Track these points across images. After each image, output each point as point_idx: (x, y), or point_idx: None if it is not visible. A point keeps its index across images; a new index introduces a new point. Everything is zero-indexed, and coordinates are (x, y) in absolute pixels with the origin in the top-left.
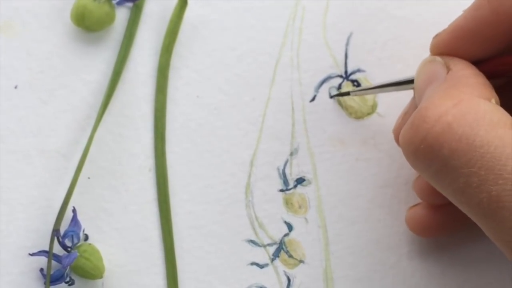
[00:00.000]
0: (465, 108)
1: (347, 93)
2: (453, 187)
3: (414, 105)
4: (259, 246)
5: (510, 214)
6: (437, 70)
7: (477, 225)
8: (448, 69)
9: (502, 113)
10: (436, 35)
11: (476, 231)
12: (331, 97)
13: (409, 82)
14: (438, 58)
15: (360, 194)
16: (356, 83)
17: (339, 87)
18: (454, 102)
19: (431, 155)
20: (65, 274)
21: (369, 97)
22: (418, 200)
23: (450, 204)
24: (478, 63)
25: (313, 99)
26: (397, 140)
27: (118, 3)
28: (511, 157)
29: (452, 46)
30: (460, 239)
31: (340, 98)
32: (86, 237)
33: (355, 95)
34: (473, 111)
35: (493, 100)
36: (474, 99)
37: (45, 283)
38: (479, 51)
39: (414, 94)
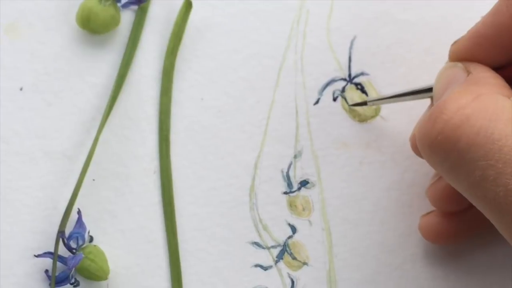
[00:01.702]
0: (484, 102)
1: (364, 103)
2: (468, 181)
3: None
4: (263, 248)
5: None
6: (457, 74)
7: (487, 233)
8: (468, 72)
9: None
10: (455, 42)
11: (482, 236)
12: (350, 105)
13: (426, 90)
14: (459, 64)
15: (364, 197)
16: (359, 86)
17: (343, 90)
18: (473, 96)
19: (448, 148)
20: (70, 276)
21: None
22: (422, 203)
23: (463, 211)
24: (497, 69)
25: (317, 102)
26: (414, 147)
27: (123, 6)
28: None
29: (471, 53)
30: (464, 243)
31: (344, 101)
32: (91, 239)
33: (373, 104)
34: (492, 105)
35: None
36: (493, 94)
37: (50, 285)
38: (499, 57)
39: (433, 101)
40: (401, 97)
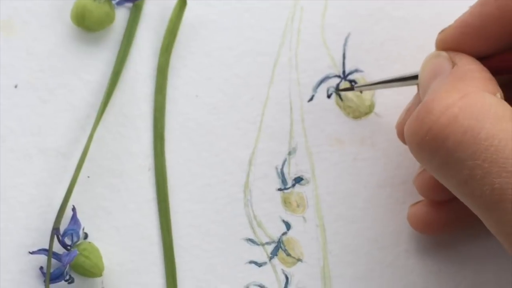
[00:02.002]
0: (471, 101)
1: (351, 88)
2: (456, 179)
3: (417, 100)
4: (257, 244)
5: None
6: (442, 64)
7: (477, 223)
8: (453, 63)
9: (506, 107)
10: (442, 31)
11: (474, 229)
12: (336, 91)
13: (413, 77)
14: (443, 53)
15: (358, 193)
16: (354, 83)
17: (337, 87)
18: (460, 95)
19: (436, 147)
20: (65, 272)
21: (367, 97)
22: (416, 199)
23: (451, 200)
24: (483, 59)
25: (311, 99)
26: (400, 135)
27: (118, 3)
28: None
29: (458, 42)
30: (457, 237)
31: (338, 97)
32: (86, 236)
33: (359, 90)
34: (479, 104)
35: (498, 95)
36: (480, 92)
37: (45, 281)
38: (484, 48)
39: (418, 89)
40: (388, 83)
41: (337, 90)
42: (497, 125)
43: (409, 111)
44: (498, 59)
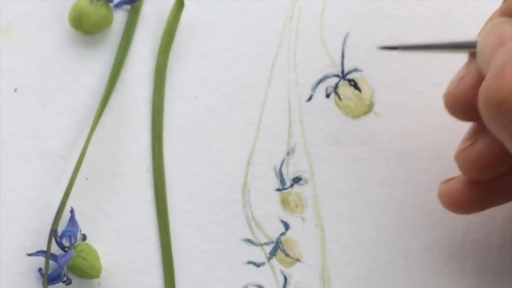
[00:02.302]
0: None
1: (395, 48)
2: None
3: (472, 70)
4: (255, 245)
5: None
6: (510, 31)
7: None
8: None
9: None
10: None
11: (474, 228)
12: (380, 48)
13: (467, 46)
14: (510, 20)
15: (357, 193)
16: (352, 82)
17: (336, 86)
18: None
19: None
20: (63, 274)
21: (366, 96)
22: (413, 199)
23: (490, 181)
24: None
25: (309, 99)
26: (450, 104)
27: (116, 6)
28: None
29: None
30: (457, 238)
31: (337, 97)
32: (84, 237)
33: (403, 51)
34: None
35: None
36: None
37: (43, 283)
38: None
39: (478, 57)
40: (438, 48)
41: (381, 47)
42: None
43: (462, 80)
44: None
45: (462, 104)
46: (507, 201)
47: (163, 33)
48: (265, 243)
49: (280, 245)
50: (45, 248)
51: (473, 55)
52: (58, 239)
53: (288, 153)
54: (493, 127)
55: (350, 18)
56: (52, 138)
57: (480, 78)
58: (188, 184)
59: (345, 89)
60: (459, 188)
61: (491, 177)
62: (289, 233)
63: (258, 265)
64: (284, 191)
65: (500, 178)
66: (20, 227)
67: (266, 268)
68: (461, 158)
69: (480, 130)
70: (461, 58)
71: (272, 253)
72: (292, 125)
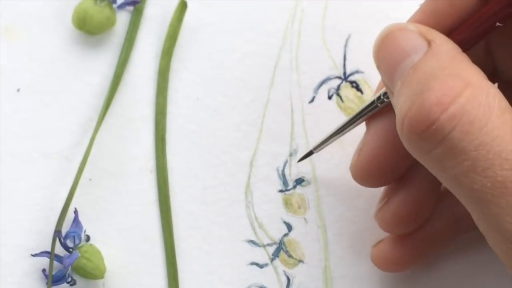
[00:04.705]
0: (478, 90)
1: (311, 152)
2: (456, 170)
3: (368, 139)
4: (258, 246)
5: None
6: (414, 41)
7: (444, 249)
8: (429, 41)
9: (503, 97)
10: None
11: (474, 235)
12: (298, 160)
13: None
14: (411, 26)
15: (359, 194)
16: (354, 84)
17: (338, 88)
18: (465, 83)
19: (441, 137)
20: (67, 275)
21: (368, 98)
22: None
23: (414, 233)
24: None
25: (312, 101)
26: (355, 176)
27: (119, 7)
28: None
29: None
30: (457, 239)
31: (339, 99)
32: (88, 238)
33: (318, 151)
34: (485, 94)
35: (496, 84)
36: (483, 81)
37: (47, 284)
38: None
39: (379, 72)
40: (346, 127)
41: (298, 161)
42: (502, 116)
43: (361, 151)
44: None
45: (366, 173)
46: (437, 250)
47: (166, 35)
48: (268, 244)
49: (283, 246)
50: (49, 249)
51: (368, 122)
52: (62, 240)
53: (290, 154)
54: (415, 154)
55: (352, 20)
56: (56, 139)
57: (377, 145)
58: (191, 185)
59: (347, 91)
60: (387, 249)
61: (409, 230)
62: (292, 234)
63: (261, 266)
64: (286, 192)
65: (419, 231)
66: (24, 227)
67: (269, 269)
68: (379, 217)
69: (391, 189)
70: None
71: (275, 254)
72: (294, 127)
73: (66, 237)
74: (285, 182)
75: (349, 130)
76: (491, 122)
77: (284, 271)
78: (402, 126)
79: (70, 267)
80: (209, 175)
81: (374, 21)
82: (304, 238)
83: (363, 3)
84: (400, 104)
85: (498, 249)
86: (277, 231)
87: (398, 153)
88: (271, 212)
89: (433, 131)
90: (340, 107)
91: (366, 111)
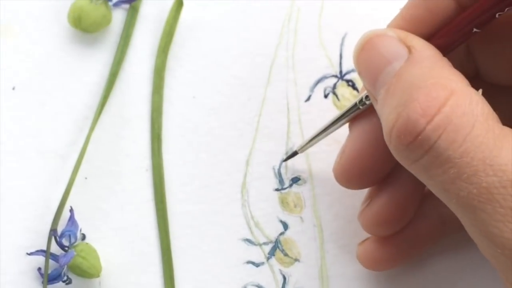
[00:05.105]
0: (461, 98)
1: (295, 153)
2: (442, 178)
3: (351, 141)
4: (255, 245)
5: (499, 206)
6: (393, 48)
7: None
8: (409, 47)
9: (486, 103)
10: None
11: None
12: (283, 160)
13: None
14: (391, 32)
15: (355, 193)
16: (351, 83)
17: (334, 87)
18: (449, 92)
19: (427, 146)
20: (63, 273)
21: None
22: None
23: (396, 234)
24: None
25: (308, 99)
26: (338, 178)
27: (115, 5)
28: (503, 149)
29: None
30: (456, 239)
31: (336, 97)
32: (84, 237)
33: (302, 151)
34: (468, 102)
35: (480, 91)
36: (466, 88)
37: (43, 282)
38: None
39: (363, 79)
40: (331, 127)
41: (283, 160)
42: (485, 123)
43: (344, 152)
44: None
45: (349, 175)
46: (423, 251)
47: (162, 33)
48: (264, 243)
49: (279, 245)
50: (44, 248)
51: (351, 124)
52: (57, 239)
53: (286, 153)
54: (403, 163)
55: (348, 19)
56: (51, 138)
57: (359, 147)
58: (187, 184)
59: (343, 90)
60: (372, 248)
61: (392, 232)
62: (288, 233)
63: (257, 264)
64: (283, 191)
65: (403, 231)
66: (20, 226)
67: (265, 267)
68: (362, 218)
69: (374, 191)
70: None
71: (271, 253)
72: (290, 125)
73: (61, 235)
74: (281, 181)
75: (332, 132)
76: (475, 130)
77: (280, 270)
78: (390, 138)
79: (66, 266)
80: (205, 173)
81: (370, 20)
82: (300, 237)
83: (360, 1)
84: (386, 115)
85: (487, 253)
86: (273, 230)
87: (380, 155)
88: (267, 211)
89: (419, 142)
90: (336, 106)
91: (348, 113)
